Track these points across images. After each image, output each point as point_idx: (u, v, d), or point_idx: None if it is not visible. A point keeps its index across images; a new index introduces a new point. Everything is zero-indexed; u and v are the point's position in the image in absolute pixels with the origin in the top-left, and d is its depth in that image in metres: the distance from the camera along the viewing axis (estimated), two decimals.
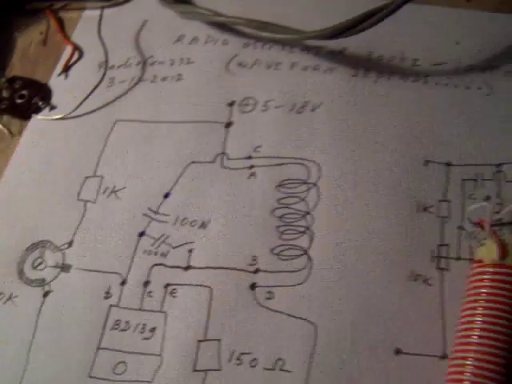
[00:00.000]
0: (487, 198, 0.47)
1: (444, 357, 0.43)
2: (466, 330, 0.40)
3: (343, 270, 0.47)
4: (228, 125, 0.52)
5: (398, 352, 0.44)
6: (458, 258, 0.45)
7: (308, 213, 0.47)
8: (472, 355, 0.39)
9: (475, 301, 0.40)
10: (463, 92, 0.51)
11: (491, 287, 0.40)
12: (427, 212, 0.47)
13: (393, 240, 0.47)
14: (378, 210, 0.49)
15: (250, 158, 0.50)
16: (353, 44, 0.54)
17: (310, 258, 0.46)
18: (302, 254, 0.46)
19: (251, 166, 0.49)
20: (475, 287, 0.40)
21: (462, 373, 0.39)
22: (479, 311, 0.40)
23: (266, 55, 0.54)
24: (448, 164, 0.49)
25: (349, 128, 0.50)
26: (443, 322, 0.44)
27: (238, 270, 0.48)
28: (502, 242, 0.41)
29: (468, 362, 0.39)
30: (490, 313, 0.40)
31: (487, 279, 0.40)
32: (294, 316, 0.46)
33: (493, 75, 0.52)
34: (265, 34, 0.52)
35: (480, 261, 0.41)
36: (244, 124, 0.52)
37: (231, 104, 0.53)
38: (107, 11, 0.59)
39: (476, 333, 0.39)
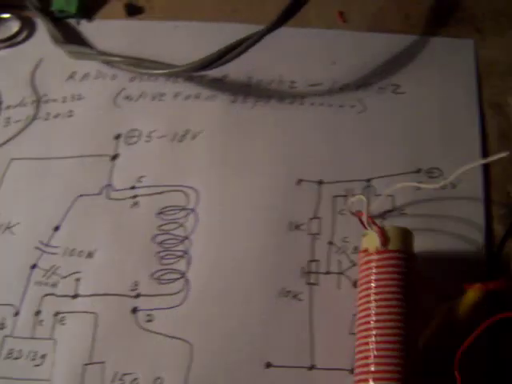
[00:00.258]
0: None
1: (312, 367, 0.49)
2: (364, 316, 0.44)
3: (219, 290, 0.52)
4: (114, 157, 0.56)
5: (268, 365, 0.47)
6: (328, 272, 0.50)
7: (186, 237, 0.51)
8: (373, 338, 0.43)
9: (367, 288, 0.45)
10: (337, 111, 0.56)
11: (379, 273, 0.44)
12: (299, 230, 0.51)
13: (266, 259, 0.52)
14: (252, 231, 0.54)
15: (133, 188, 0.55)
16: (233, 70, 0.59)
17: (187, 281, 0.50)
18: (179, 278, 0.50)
19: (134, 196, 0.54)
20: (366, 275, 0.45)
21: (367, 351, 0.43)
22: (372, 297, 0.44)
23: (151, 87, 0.59)
24: (320, 182, 0.52)
25: (227, 154, 0.55)
26: (311, 334, 0.48)
27: (121, 295, 0.53)
28: (382, 230, 0.46)
29: (370, 345, 0.43)
30: (382, 297, 0.44)
31: (374, 266, 0.45)
32: (172, 337, 0.51)
33: (366, 93, 0.57)
34: (141, 70, 0.55)
35: (365, 250, 0.46)
36: (129, 155, 0.57)
37: (117, 137, 0.57)
38: (2, 52, 0.62)
39: (373, 317, 0.44)
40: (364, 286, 0.46)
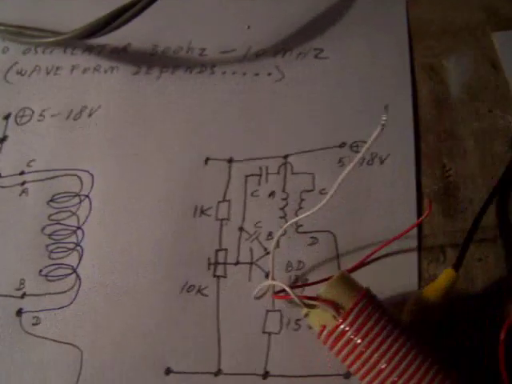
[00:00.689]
0: (271, 194, 0.42)
1: (218, 373, 0.43)
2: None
3: (111, 287, 0.46)
4: (1, 140, 0.48)
5: (168, 372, 0.42)
6: (237, 263, 0.44)
7: (79, 228, 0.43)
8: None
9: (361, 353, 0.37)
10: (251, 79, 0.49)
11: (364, 332, 0.38)
12: (205, 215, 0.44)
13: (167, 250, 0.45)
14: (152, 218, 0.48)
15: (22, 173, 0.47)
16: (136, 38, 0.53)
17: (78, 277, 0.42)
18: (70, 273, 0.44)
19: (23, 182, 0.47)
20: (348, 345, 0.38)
21: None
22: (376, 355, 0.37)
23: (46, 60, 0.53)
24: (230, 160, 0.45)
25: (127, 131, 0.48)
26: (218, 334, 0.42)
27: (5, 296, 0.46)
28: (327, 301, 0.39)
29: None
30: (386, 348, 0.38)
31: (354, 330, 0.38)
32: (60, 341, 0.45)
33: (285, 59, 0.51)
34: (24, 39, 0.47)
35: (323, 328, 0.39)
36: (19, 137, 0.51)
37: (7, 117, 0.51)
38: None
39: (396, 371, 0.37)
40: (357, 353, 0.38)
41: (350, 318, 0.38)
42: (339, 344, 0.38)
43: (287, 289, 0.39)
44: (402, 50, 0.51)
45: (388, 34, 0.52)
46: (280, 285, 0.40)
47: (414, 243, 0.44)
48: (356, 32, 0.52)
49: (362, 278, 0.40)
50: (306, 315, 0.40)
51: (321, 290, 0.39)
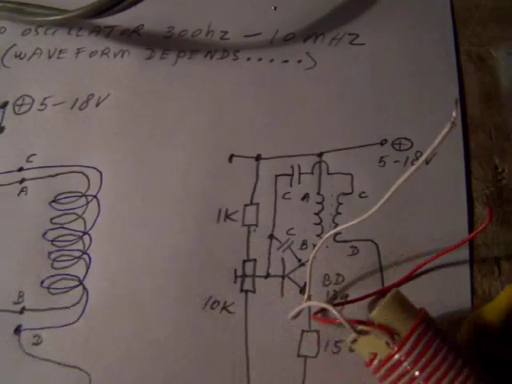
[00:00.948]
0: (305, 197, 0.36)
1: None
2: None
3: (123, 302, 0.40)
4: None
5: None
6: (267, 276, 0.37)
7: (85, 233, 0.37)
8: None
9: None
10: (280, 67, 0.44)
11: (424, 363, 0.33)
12: (231, 220, 0.39)
13: (187, 259, 0.40)
14: (169, 223, 0.42)
15: (21, 170, 0.42)
16: (150, 19, 0.47)
17: (85, 290, 0.36)
18: (76, 286, 0.38)
19: (22, 180, 0.42)
20: (395, 382, 0.33)
21: None
22: None
23: (48, 42, 0.47)
24: (257, 158, 0.40)
25: (139, 123, 0.42)
26: (247, 358, 0.35)
27: (1, 310, 0.41)
28: (380, 326, 0.33)
29: None
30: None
31: (411, 362, 0.33)
32: (64, 364, 0.39)
33: (316, 45, 0.45)
34: (24, 18, 0.41)
35: (374, 356, 0.34)
36: (17, 128, 0.45)
37: (4, 105, 0.46)
38: None
39: None
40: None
41: (407, 347, 0.32)
42: (393, 376, 0.33)
43: (334, 312, 0.33)
44: (446, 37, 0.45)
45: (430, 20, 0.46)
46: (324, 306, 0.34)
47: (465, 255, 0.39)
48: (395, 17, 0.46)
49: (408, 293, 0.35)
50: (354, 341, 0.33)
51: (373, 313, 0.34)
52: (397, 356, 0.33)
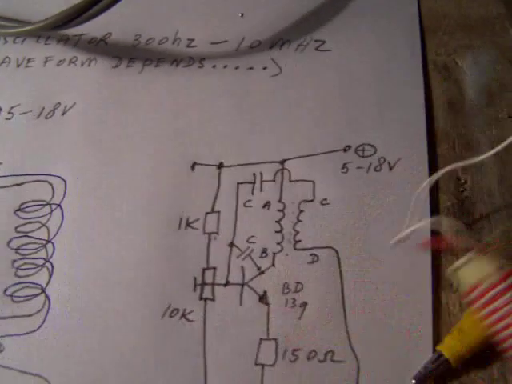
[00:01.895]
0: (266, 204, 0.36)
1: None
2: None
3: (84, 309, 0.40)
4: None
5: None
6: (227, 284, 0.37)
7: (49, 241, 0.36)
8: None
9: None
10: (245, 74, 0.44)
11: None
12: (191, 228, 0.38)
13: (148, 267, 0.40)
14: (132, 231, 0.42)
15: None
16: (117, 28, 0.47)
17: (47, 298, 0.36)
18: (38, 294, 0.38)
19: None
20: (495, 311, 0.34)
21: None
22: None
23: (16, 51, 0.47)
24: (220, 165, 0.39)
25: (104, 131, 0.42)
26: (205, 366, 0.35)
27: None
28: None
29: None
30: None
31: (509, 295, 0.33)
32: (25, 372, 0.39)
33: (282, 52, 0.44)
34: None
35: (477, 284, 0.34)
36: None
37: None
38: None
39: None
40: None
41: None
42: (496, 304, 0.34)
43: (462, 232, 0.35)
44: (413, 46, 0.45)
45: (398, 27, 0.45)
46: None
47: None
48: (362, 23, 0.46)
49: None
50: (457, 269, 0.35)
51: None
52: (505, 283, 0.33)
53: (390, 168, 0.41)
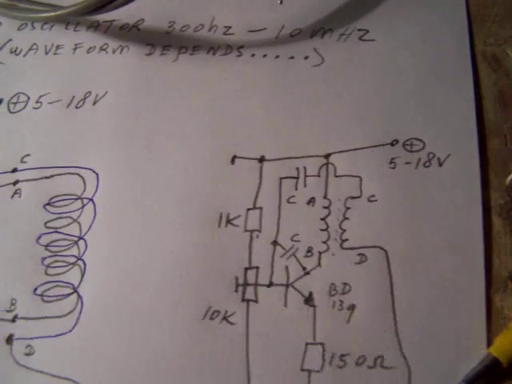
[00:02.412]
0: (311, 201, 0.33)
1: None
2: None
3: (119, 310, 0.37)
4: None
5: None
6: (270, 284, 0.35)
7: (81, 238, 0.34)
8: None
9: None
10: (286, 64, 0.41)
11: None
12: (232, 225, 0.36)
13: (186, 266, 0.38)
14: (168, 228, 0.39)
15: (15, 171, 0.39)
16: (150, 14, 0.44)
17: (79, 298, 0.33)
18: (70, 293, 0.35)
19: (16, 182, 0.39)
20: None
21: None
22: None
23: (44, 37, 0.44)
24: (261, 159, 0.37)
25: (138, 122, 0.40)
26: (248, 372, 0.33)
27: None
28: None
29: None
30: None
31: None
32: (57, 376, 0.37)
33: (324, 41, 0.42)
34: (16, 14, 0.38)
35: None
36: (11, 128, 0.43)
37: None
38: None
39: None
40: None
41: None
42: None
43: None
44: (461, 35, 0.42)
45: (445, 16, 0.43)
46: None
47: None
48: (407, 12, 0.43)
49: None
50: None
51: None
52: None
53: (440, 164, 0.38)
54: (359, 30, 0.43)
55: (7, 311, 0.38)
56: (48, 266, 0.38)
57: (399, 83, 0.41)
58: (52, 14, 0.40)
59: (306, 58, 0.42)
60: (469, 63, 0.41)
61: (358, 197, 0.38)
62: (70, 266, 0.38)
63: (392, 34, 0.43)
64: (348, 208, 0.38)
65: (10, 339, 0.37)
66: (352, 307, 0.36)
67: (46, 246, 0.39)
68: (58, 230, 0.39)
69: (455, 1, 0.44)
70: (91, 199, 0.39)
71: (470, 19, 0.43)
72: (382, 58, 0.42)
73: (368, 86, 0.41)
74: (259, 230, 0.38)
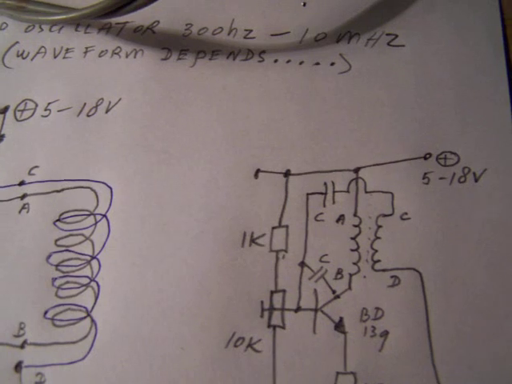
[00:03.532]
0: (340, 218, 0.31)
1: None
2: None
3: (136, 337, 0.35)
4: None
5: None
6: (298, 309, 0.32)
7: (94, 257, 0.31)
8: None
9: None
10: (310, 70, 0.39)
11: None
12: (257, 244, 0.33)
13: (207, 289, 0.36)
14: (188, 248, 0.36)
15: (22, 183, 0.36)
16: (166, 16, 0.42)
17: (93, 322, 0.30)
18: (83, 317, 0.32)
19: (23, 196, 0.36)
20: None
21: None
22: None
23: (53, 40, 0.41)
24: (287, 173, 0.34)
25: (154, 132, 0.37)
26: None
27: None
28: None
29: None
30: None
31: None
32: None
33: (351, 46, 0.39)
34: (24, 16, 0.35)
35: None
36: (18, 137, 0.40)
37: (4, 110, 0.41)
38: None
39: None
40: None
41: None
42: None
43: None
44: (495, 40, 0.40)
45: (477, 20, 0.40)
46: None
47: None
48: (439, 16, 0.41)
49: None
50: None
51: None
52: None
53: (476, 179, 0.36)
54: (387, 34, 0.40)
55: (15, 336, 0.35)
56: (59, 288, 0.36)
57: (431, 92, 0.38)
58: (63, 16, 0.37)
59: (332, 64, 0.39)
60: (504, 70, 0.39)
61: (390, 214, 0.35)
62: (83, 288, 0.35)
63: (422, 39, 0.40)
64: (380, 226, 0.35)
65: (18, 366, 0.35)
66: (385, 334, 0.33)
67: (57, 266, 0.36)
68: (70, 249, 0.36)
69: (488, 2, 0.40)
70: (104, 215, 0.37)
71: (504, 25, 0.40)
72: (413, 65, 0.39)
73: (397, 95, 0.39)
74: (285, 250, 0.35)
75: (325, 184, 0.37)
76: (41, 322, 0.35)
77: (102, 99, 0.40)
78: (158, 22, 0.42)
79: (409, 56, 0.40)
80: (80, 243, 0.36)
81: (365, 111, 0.38)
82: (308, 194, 0.36)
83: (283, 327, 0.34)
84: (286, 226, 0.36)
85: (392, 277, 0.34)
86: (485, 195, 0.36)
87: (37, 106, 0.40)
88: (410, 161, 0.37)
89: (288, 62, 0.40)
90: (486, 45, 0.40)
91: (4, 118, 0.41)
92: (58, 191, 0.38)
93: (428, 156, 0.37)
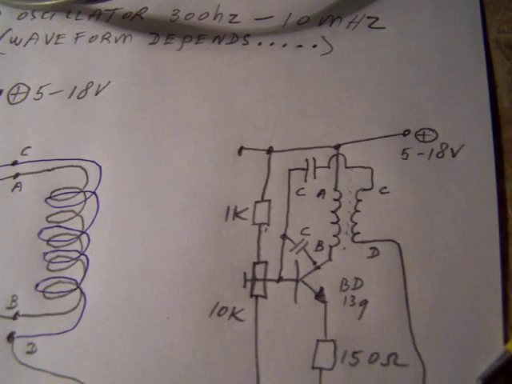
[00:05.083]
0: (321, 193, 0.32)
1: None
2: None
3: (123, 308, 0.36)
4: None
5: None
6: (280, 279, 0.33)
7: (83, 232, 0.32)
8: None
9: None
10: (293, 52, 0.39)
11: None
12: (240, 218, 0.34)
13: (192, 261, 0.37)
14: (173, 222, 0.38)
15: (15, 163, 0.38)
16: (154, 2, 0.42)
17: (82, 294, 0.31)
18: (73, 290, 0.33)
19: (16, 175, 0.37)
20: None
21: None
22: None
23: (45, 26, 0.42)
24: (269, 150, 0.36)
25: (142, 113, 0.38)
26: (257, 370, 0.31)
27: None
28: None
29: None
30: None
31: None
32: (60, 375, 0.35)
33: (332, 29, 0.39)
34: (15, 2, 0.37)
35: None
36: (11, 119, 0.42)
37: None
38: None
39: None
40: None
41: None
42: None
43: None
44: (473, 22, 0.40)
45: (457, 3, 0.41)
46: None
47: None
48: None
49: None
50: None
51: None
52: None
53: (453, 155, 0.37)
54: (368, 17, 0.41)
55: (8, 308, 0.36)
56: (50, 262, 0.37)
57: (410, 72, 0.39)
58: (54, 2, 0.38)
59: (315, 46, 0.40)
60: (482, 51, 0.39)
61: (370, 189, 0.36)
62: (73, 262, 0.36)
63: (402, 21, 0.41)
64: (359, 200, 0.36)
65: (11, 337, 0.36)
66: (364, 303, 0.34)
67: (48, 241, 0.37)
68: (60, 225, 0.37)
69: None
70: (94, 192, 0.38)
71: (482, 6, 0.41)
72: (393, 46, 0.40)
73: (378, 75, 0.40)
74: (268, 224, 0.36)
75: (306, 160, 0.38)
76: (32, 295, 0.36)
77: (92, 82, 0.41)
78: (146, 8, 0.43)
79: (389, 38, 0.41)
80: (70, 219, 0.38)
81: (346, 91, 0.39)
82: (290, 170, 0.37)
83: (265, 297, 0.35)
84: (269, 201, 0.37)
85: (371, 248, 0.35)
86: (461, 170, 0.37)
87: (29, 89, 0.42)
88: (390, 137, 0.38)
89: (271, 44, 0.41)
90: (464, 25, 0.40)
91: None
92: (49, 170, 0.39)
93: (407, 133, 0.38)
